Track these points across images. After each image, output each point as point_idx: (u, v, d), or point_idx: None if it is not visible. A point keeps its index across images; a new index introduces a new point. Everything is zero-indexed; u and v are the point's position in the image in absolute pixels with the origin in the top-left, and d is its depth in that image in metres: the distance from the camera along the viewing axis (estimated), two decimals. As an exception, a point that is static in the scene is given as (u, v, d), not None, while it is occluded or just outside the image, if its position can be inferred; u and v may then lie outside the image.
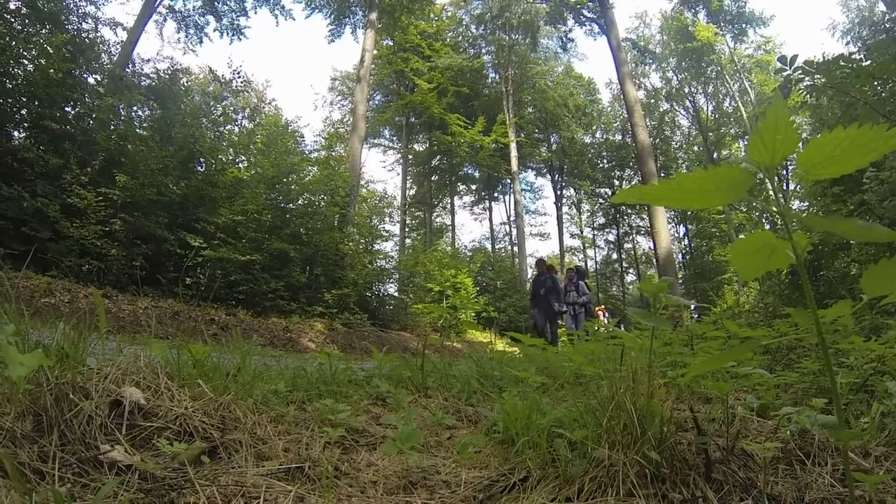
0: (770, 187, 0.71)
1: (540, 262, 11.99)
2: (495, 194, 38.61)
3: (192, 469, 1.18)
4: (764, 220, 21.28)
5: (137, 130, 11.88)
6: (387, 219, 20.01)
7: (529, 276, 32.21)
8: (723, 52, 30.82)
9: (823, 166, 0.67)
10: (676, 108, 36.07)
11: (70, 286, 7.88)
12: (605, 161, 38.15)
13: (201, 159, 12.72)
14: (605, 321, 15.75)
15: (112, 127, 11.11)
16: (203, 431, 1.35)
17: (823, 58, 5.95)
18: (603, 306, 19.88)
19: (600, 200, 39.11)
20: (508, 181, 33.16)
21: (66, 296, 7.49)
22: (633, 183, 34.38)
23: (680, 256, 33.87)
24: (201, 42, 21.32)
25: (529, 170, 39.12)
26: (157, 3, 17.89)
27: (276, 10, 21.58)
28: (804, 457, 1.28)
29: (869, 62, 6.10)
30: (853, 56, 5.98)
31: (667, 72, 35.06)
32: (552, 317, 10.83)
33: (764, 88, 28.11)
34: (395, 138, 36.17)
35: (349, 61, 69.88)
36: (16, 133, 10.04)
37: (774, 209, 0.70)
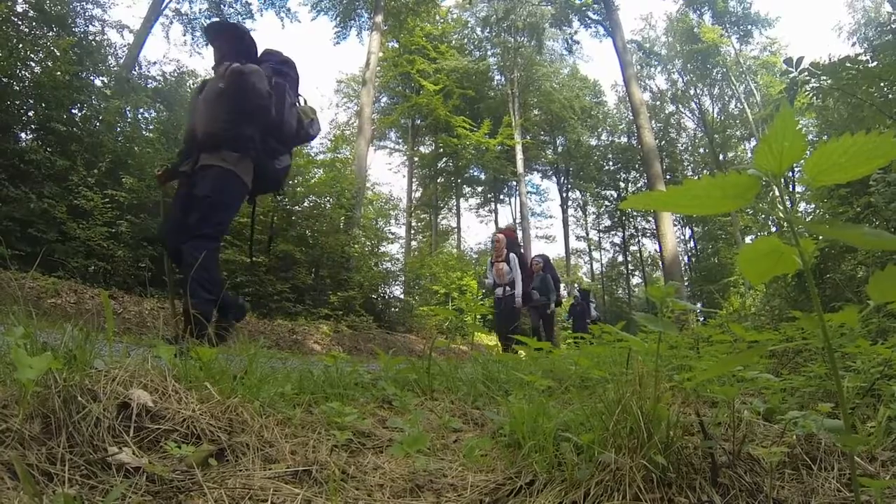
0: (777, 193, 0.71)
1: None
2: (501, 196, 38.59)
3: (199, 471, 1.18)
4: (770, 224, 21.15)
5: (144, 132, 11.91)
6: (392, 221, 20.00)
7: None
8: (728, 54, 30.74)
9: (830, 172, 0.68)
10: (682, 109, 35.97)
11: (76, 287, 7.92)
12: (610, 163, 38.04)
13: (207, 161, 12.71)
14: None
15: (118, 129, 11.17)
16: (210, 434, 1.36)
17: (829, 59, 5.92)
18: (537, 259, 10.85)
19: (606, 203, 39.00)
20: (514, 183, 33.12)
21: (72, 297, 7.52)
22: (639, 185, 34.46)
23: (686, 259, 33.76)
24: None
25: (535, 172, 39.13)
26: (164, 5, 18.02)
27: (281, 12, 21.72)
28: (810, 461, 1.28)
29: (875, 63, 6.07)
30: (859, 57, 5.95)
31: (672, 73, 35.02)
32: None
33: (770, 90, 27.98)
34: (400, 140, 36.27)
35: (355, 63, 70.13)
36: (23, 135, 10.10)
37: (781, 215, 0.71)
